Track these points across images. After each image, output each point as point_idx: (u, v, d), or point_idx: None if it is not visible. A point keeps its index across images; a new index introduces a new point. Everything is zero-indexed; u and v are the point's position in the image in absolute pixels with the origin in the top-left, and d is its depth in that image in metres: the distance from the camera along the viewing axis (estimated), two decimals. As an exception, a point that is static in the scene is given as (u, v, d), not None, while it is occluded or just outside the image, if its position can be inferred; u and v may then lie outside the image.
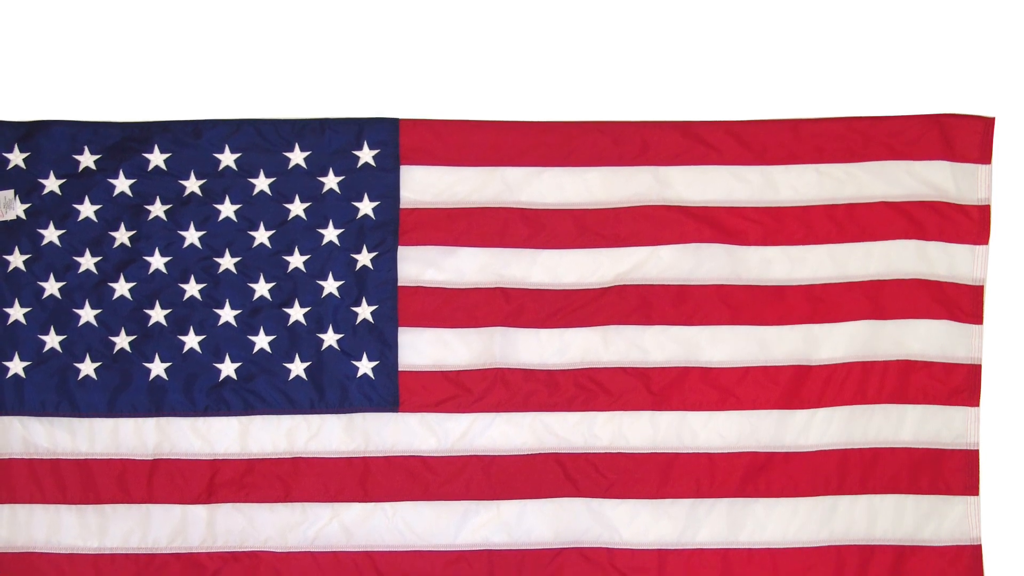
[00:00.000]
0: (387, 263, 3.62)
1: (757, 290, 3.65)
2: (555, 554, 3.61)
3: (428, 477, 3.61)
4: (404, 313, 3.61)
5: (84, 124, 3.62)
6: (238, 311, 3.62)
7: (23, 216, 3.60)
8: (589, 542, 3.61)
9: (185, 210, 3.62)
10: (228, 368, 3.60)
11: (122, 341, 3.59)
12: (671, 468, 3.62)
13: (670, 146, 3.66)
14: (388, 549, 3.59)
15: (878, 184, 3.66)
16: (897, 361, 3.63)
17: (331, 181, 3.64)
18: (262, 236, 3.63)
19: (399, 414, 3.61)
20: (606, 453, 3.62)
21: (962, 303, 3.64)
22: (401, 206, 3.64)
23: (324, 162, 3.64)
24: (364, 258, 3.63)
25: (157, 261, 3.61)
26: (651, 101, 3.72)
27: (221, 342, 3.61)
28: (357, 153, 3.64)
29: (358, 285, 3.62)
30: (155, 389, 3.59)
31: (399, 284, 3.62)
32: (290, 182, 3.64)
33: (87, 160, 3.61)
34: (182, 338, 3.60)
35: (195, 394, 3.59)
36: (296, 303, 3.62)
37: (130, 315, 3.60)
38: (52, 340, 3.58)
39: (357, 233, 3.63)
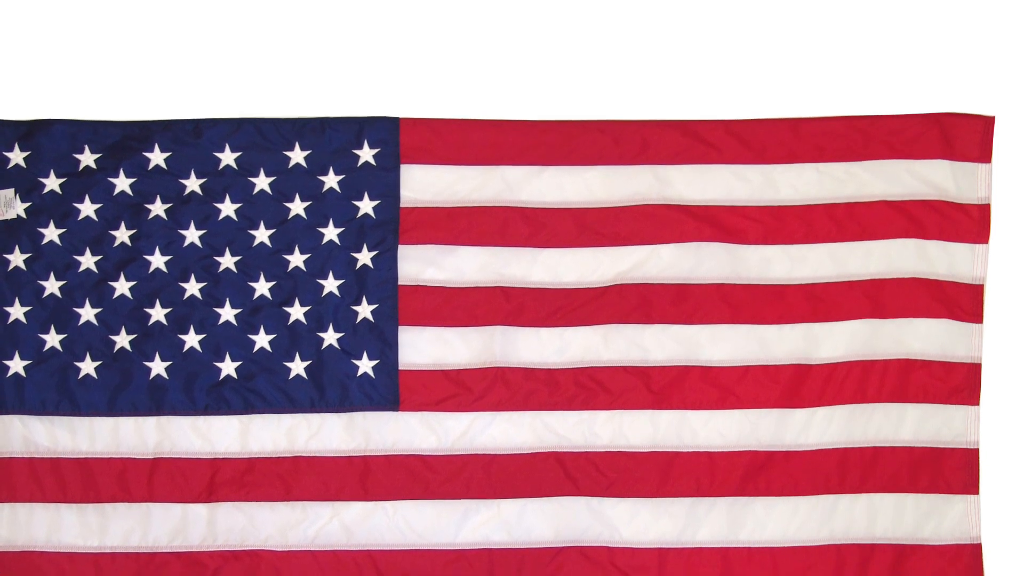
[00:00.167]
0: (387, 262, 3.63)
1: (757, 289, 3.65)
2: (555, 553, 3.61)
3: (428, 476, 3.61)
4: (404, 312, 3.62)
5: (84, 123, 3.62)
6: (238, 310, 3.62)
7: (23, 215, 3.60)
8: (589, 541, 3.61)
9: (185, 209, 3.63)
10: (228, 367, 3.60)
11: (122, 340, 3.59)
12: (671, 467, 3.62)
13: (670, 145, 3.66)
14: (388, 548, 3.59)
15: (878, 183, 3.66)
16: (897, 360, 3.63)
17: (331, 180, 3.64)
18: (262, 235, 3.64)
19: (399, 413, 3.61)
20: (606, 452, 3.62)
21: (962, 302, 3.64)
22: (401, 205, 3.64)
23: (324, 161, 3.64)
24: (364, 257, 3.63)
25: (157, 260, 3.61)
26: (651, 100, 3.72)
27: (221, 341, 3.61)
28: (357, 152, 3.65)
29: (358, 284, 3.62)
30: (155, 388, 3.59)
31: (399, 283, 3.62)
32: (290, 181, 3.64)
33: (87, 159, 3.61)
34: (182, 337, 3.60)
35: (195, 393, 3.59)
36: (296, 302, 3.62)
37: (130, 314, 3.60)
38: (52, 339, 3.58)
39: (357, 232, 3.63)
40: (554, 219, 3.65)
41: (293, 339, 3.61)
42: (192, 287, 3.61)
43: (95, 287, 3.60)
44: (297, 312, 3.62)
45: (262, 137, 3.64)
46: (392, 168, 3.65)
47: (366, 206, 3.64)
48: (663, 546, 3.61)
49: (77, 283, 3.60)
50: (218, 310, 3.61)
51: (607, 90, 3.74)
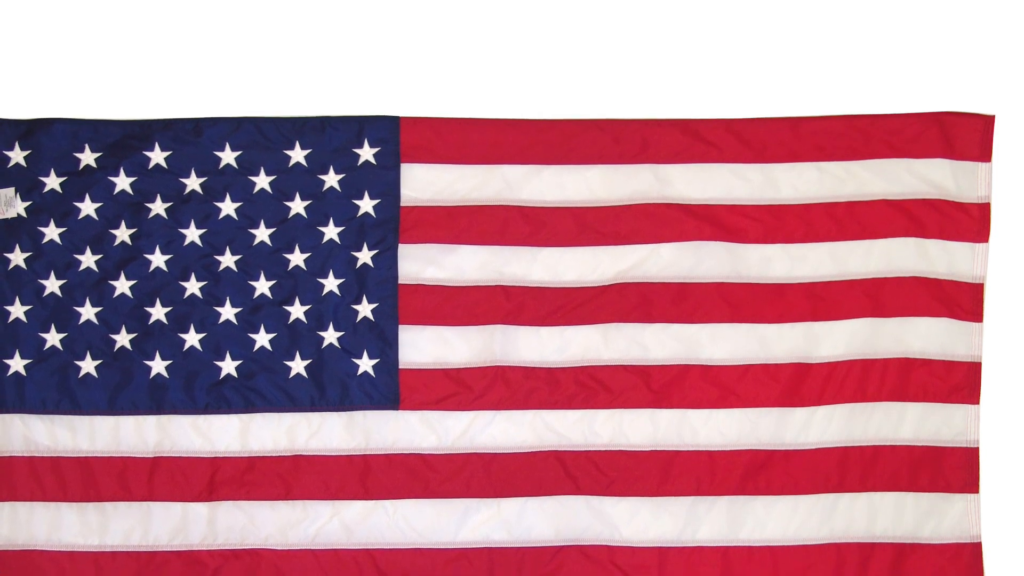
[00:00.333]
0: (387, 261, 3.63)
1: (757, 288, 3.65)
2: (555, 552, 3.61)
3: (428, 475, 3.61)
4: (404, 311, 3.62)
5: (85, 122, 3.62)
6: (239, 309, 3.62)
7: (24, 214, 3.60)
8: (589, 540, 3.61)
9: (186, 208, 3.63)
10: (229, 366, 3.60)
11: (123, 339, 3.59)
12: (671, 466, 3.62)
13: (670, 144, 3.67)
14: (388, 547, 3.60)
15: (878, 182, 3.66)
16: (897, 359, 3.63)
17: (331, 179, 3.65)
18: (263, 234, 3.64)
19: (399, 412, 3.61)
20: (606, 451, 3.62)
21: (962, 301, 3.64)
22: (401, 204, 3.64)
23: (325, 160, 3.65)
24: (364, 256, 3.63)
25: (158, 259, 3.61)
26: (651, 99, 3.72)
27: (222, 340, 3.61)
28: (358, 151, 3.65)
29: (358, 283, 3.62)
30: (156, 387, 3.59)
31: (399, 282, 3.63)
32: (291, 180, 3.65)
33: (88, 158, 3.61)
34: (183, 336, 3.60)
35: (196, 392, 3.59)
36: (297, 301, 3.62)
37: (131, 313, 3.60)
38: (53, 338, 3.58)
39: (358, 231, 3.63)
40: (554, 218, 3.65)
41: (293, 338, 3.62)
42: (192, 286, 3.62)
43: (95, 286, 3.60)
44: (297, 311, 3.62)
45: (262, 136, 3.64)
46: (392, 167, 3.65)
47: (366, 205, 3.64)
48: (663, 545, 3.61)
49: (77, 282, 3.60)
50: (218, 309, 3.62)
51: (607, 89, 3.74)
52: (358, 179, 3.65)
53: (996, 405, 3.68)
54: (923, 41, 3.75)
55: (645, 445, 3.63)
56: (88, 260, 3.60)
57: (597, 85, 3.75)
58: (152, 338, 3.60)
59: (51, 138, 3.61)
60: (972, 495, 3.64)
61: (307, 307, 3.62)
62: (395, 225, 3.63)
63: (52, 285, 3.59)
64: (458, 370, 3.62)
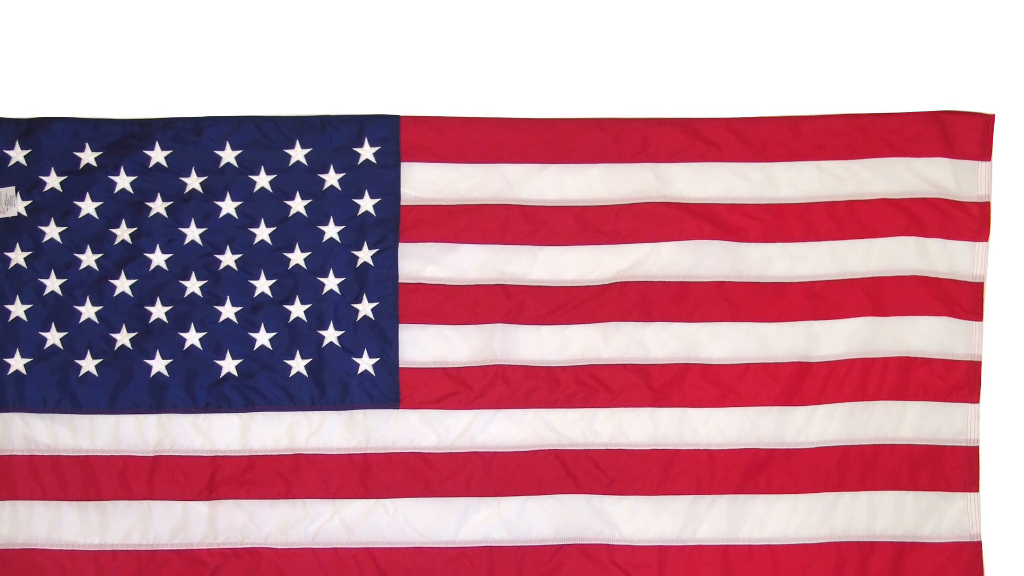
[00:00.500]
0: (388, 260, 3.63)
1: (757, 287, 3.65)
2: (555, 551, 3.61)
3: (429, 474, 3.61)
4: (405, 310, 3.62)
5: (85, 121, 3.62)
6: (239, 308, 3.62)
7: (24, 213, 3.60)
8: (589, 539, 3.61)
9: (186, 207, 3.63)
10: (229, 365, 3.60)
11: (123, 338, 3.59)
12: (671, 465, 3.62)
13: (670, 143, 3.67)
14: (389, 546, 3.60)
15: (879, 181, 3.66)
16: (897, 358, 3.63)
17: (332, 178, 3.65)
18: (263, 233, 3.64)
19: (400, 411, 3.62)
20: (606, 450, 3.62)
21: (962, 300, 3.64)
22: (402, 203, 3.64)
23: (325, 159, 3.65)
24: (365, 255, 3.63)
25: (158, 258, 3.62)
26: (651, 98, 3.72)
27: (222, 339, 3.61)
28: (358, 150, 3.65)
29: (359, 282, 3.63)
30: (156, 386, 3.59)
31: (400, 281, 3.63)
32: (291, 179, 3.65)
33: (88, 157, 3.62)
34: (183, 335, 3.60)
35: (196, 391, 3.59)
36: (297, 300, 3.62)
37: (131, 312, 3.60)
38: (53, 337, 3.58)
39: (358, 230, 3.64)
40: (554, 217, 3.65)
41: (294, 337, 3.62)
42: (193, 285, 3.62)
43: (96, 285, 3.60)
44: (298, 310, 3.62)
45: (263, 135, 3.65)
46: (392, 166, 3.65)
47: (367, 204, 3.64)
48: (663, 544, 3.61)
49: (78, 281, 3.60)
50: (219, 308, 3.62)
51: (607, 88, 3.74)
52: (358, 178, 3.65)
53: (996, 404, 3.68)
54: (923, 41, 3.75)
55: (645, 444, 3.63)
56: (88, 259, 3.60)
57: (597, 84, 3.75)
58: (152, 337, 3.60)
59: (51, 137, 3.61)
60: (972, 494, 3.64)
61: (307, 306, 3.62)
62: (395, 224, 3.63)
63: (52, 284, 3.59)
64: (458, 369, 3.62)
